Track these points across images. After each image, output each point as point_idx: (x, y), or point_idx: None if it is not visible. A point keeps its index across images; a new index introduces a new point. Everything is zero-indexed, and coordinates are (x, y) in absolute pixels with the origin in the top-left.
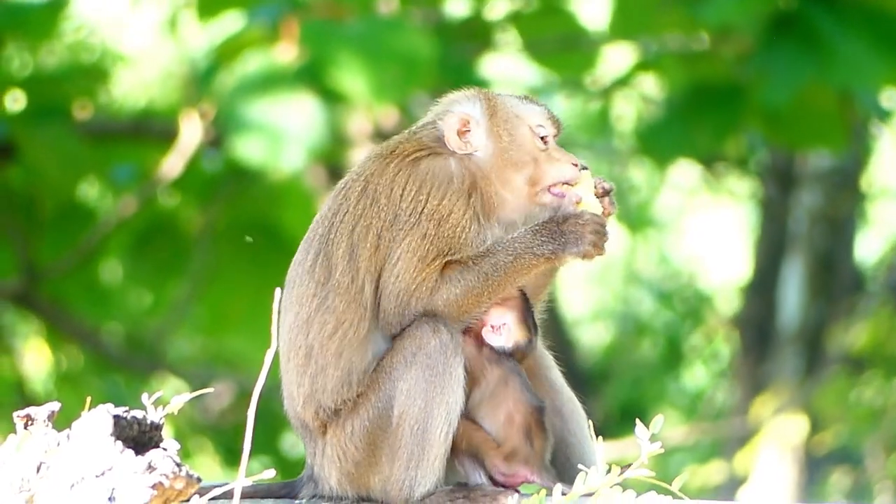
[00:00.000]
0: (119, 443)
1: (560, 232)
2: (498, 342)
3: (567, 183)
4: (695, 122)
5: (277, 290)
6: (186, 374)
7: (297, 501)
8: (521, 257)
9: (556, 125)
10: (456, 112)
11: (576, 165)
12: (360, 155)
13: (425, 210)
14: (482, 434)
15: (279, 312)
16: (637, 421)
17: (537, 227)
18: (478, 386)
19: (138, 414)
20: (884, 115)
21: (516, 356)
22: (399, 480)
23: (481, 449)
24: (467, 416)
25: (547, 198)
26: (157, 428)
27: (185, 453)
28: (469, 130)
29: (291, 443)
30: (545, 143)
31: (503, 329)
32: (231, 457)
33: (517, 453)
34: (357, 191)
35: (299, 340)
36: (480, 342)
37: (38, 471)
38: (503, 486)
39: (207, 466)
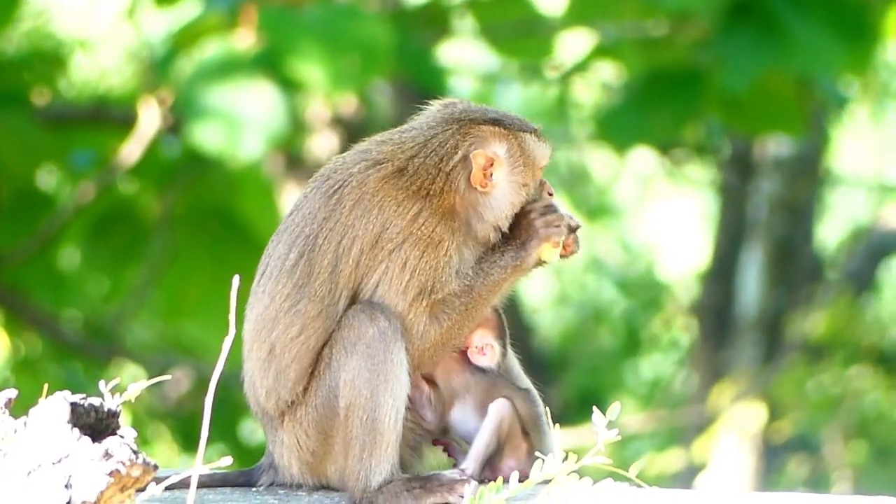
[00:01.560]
0: (76, 430)
1: (514, 237)
2: (485, 362)
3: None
4: (653, 108)
5: (236, 278)
6: (145, 361)
7: (254, 489)
8: (490, 275)
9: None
10: (484, 151)
11: (551, 195)
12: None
13: (413, 233)
14: (518, 431)
15: (250, 296)
16: (594, 408)
17: (499, 242)
18: (463, 399)
19: (95, 401)
20: (842, 102)
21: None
22: (355, 471)
23: (511, 444)
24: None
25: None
26: (114, 415)
27: (143, 440)
28: (493, 169)
29: (250, 430)
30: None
31: (487, 349)
32: (189, 444)
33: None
34: (352, 200)
35: (263, 335)
36: (463, 359)
37: None
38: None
39: (165, 454)
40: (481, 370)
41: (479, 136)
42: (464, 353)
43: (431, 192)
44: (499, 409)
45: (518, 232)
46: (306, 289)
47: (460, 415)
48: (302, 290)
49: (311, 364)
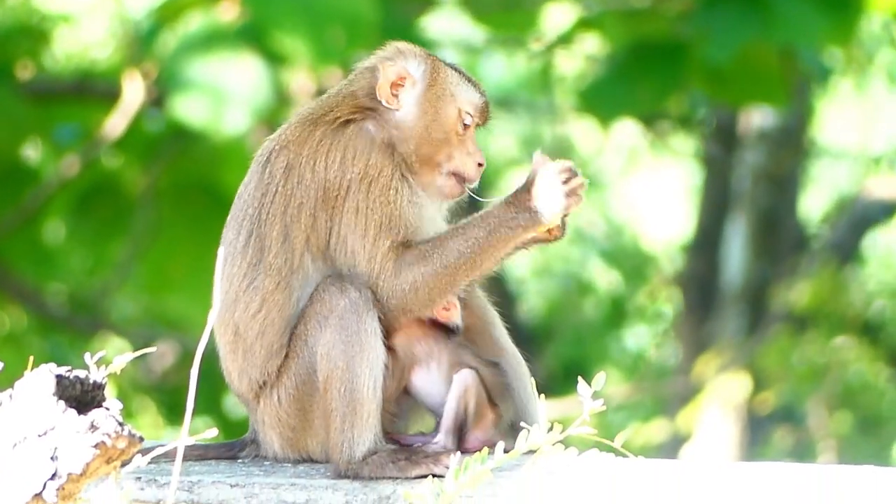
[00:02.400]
0: (62, 402)
1: (531, 197)
2: (451, 318)
3: (465, 178)
4: (637, 80)
5: (221, 251)
6: (129, 335)
7: (239, 461)
8: (497, 231)
9: (484, 117)
10: (398, 64)
11: (481, 165)
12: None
13: (348, 179)
14: (484, 401)
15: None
16: (580, 379)
17: (510, 198)
18: (427, 368)
19: (81, 374)
20: (825, 74)
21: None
22: (338, 443)
23: (477, 414)
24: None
25: (444, 181)
26: (99, 387)
27: (128, 413)
28: (403, 87)
29: (234, 402)
30: (465, 130)
31: (450, 306)
32: (174, 417)
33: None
34: (281, 167)
35: (227, 318)
36: (426, 325)
37: None
38: (474, 451)
39: (151, 427)
40: (446, 336)
41: (395, 51)
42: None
43: (351, 121)
44: (463, 379)
45: (527, 193)
46: (261, 265)
47: (423, 381)
48: (257, 267)
49: (278, 339)
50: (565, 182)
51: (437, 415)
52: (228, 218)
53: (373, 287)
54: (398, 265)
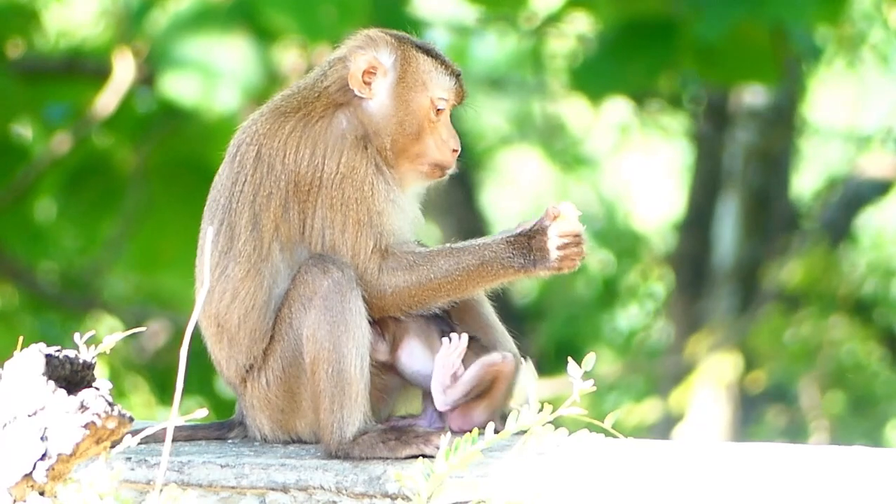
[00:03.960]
0: (51, 382)
1: (529, 247)
2: None
3: (442, 167)
4: (627, 58)
5: (210, 230)
6: (121, 313)
7: (229, 441)
8: (489, 265)
9: (457, 98)
10: (368, 53)
11: (455, 151)
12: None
13: (319, 174)
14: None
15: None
16: (569, 359)
17: (511, 238)
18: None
19: (70, 353)
20: (816, 52)
21: None
22: (328, 424)
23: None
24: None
25: (422, 170)
26: (89, 367)
27: (120, 393)
28: (375, 75)
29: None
30: (438, 115)
31: None
32: (167, 396)
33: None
34: (251, 157)
35: (208, 310)
36: None
37: None
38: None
39: (143, 406)
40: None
41: (365, 40)
42: None
43: (323, 117)
44: (492, 361)
45: (534, 242)
46: (231, 253)
47: (409, 357)
48: (227, 255)
49: (259, 325)
50: (562, 248)
51: (423, 389)
52: (205, 209)
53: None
54: (383, 268)
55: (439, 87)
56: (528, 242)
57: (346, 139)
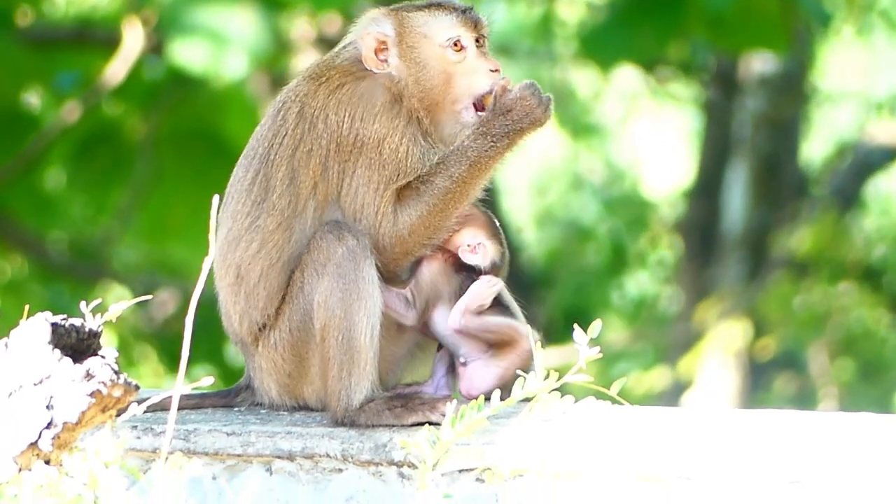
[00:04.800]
0: (57, 351)
1: (512, 122)
2: (475, 260)
3: (485, 94)
4: (637, 26)
5: (216, 198)
6: (130, 282)
7: (236, 409)
8: (478, 163)
9: (473, 27)
10: (372, 32)
11: (495, 71)
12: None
13: (360, 136)
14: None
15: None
16: (575, 326)
17: (485, 130)
18: (449, 306)
19: (76, 322)
20: (826, 19)
21: (491, 273)
22: (335, 391)
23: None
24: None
25: (469, 117)
26: (95, 336)
27: (129, 362)
28: (386, 49)
29: (235, 351)
30: (460, 51)
31: (479, 248)
32: (175, 365)
33: None
34: (294, 113)
35: (229, 258)
36: (447, 258)
37: None
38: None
39: (152, 375)
40: (470, 275)
41: (367, 21)
42: (454, 256)
43: (360, 84)
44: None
45: (514, 113)
46: (264, 204)
47: (440, 315)
48: (261, 206)
49: (279, 282)
50: (538, 100)
51: (453, 351)
52: (241, 156)
53: (375, 235)
54: (395, 211)
55: (442, 31)
56: (507, 117)
57: (378, 105)
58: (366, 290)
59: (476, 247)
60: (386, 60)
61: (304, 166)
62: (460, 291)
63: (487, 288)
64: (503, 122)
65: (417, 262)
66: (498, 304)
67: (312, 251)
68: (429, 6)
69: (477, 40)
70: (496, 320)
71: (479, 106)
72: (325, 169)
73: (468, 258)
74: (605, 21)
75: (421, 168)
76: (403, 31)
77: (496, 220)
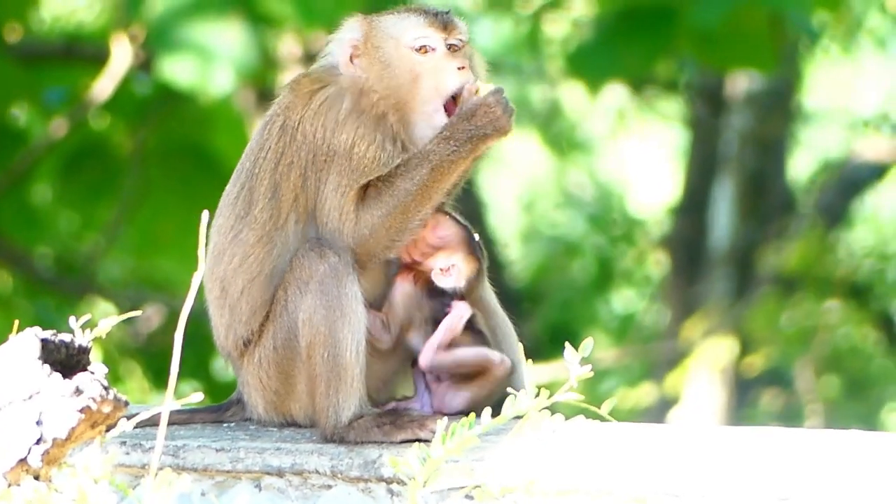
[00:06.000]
0: (46, 366)
1: (476, 128)
2: (449, 283)
3: (454, 94)
4: (625, 43)
5: (205, 213)
6: (117, 297)
7: (225, 425)
8: (440, 167)
9: (443, 29)
10: (346, 38)
11: (462, 68)
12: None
13: (332, 145)
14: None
15: (206, 239)
16: (566, 344)
17: (448, 134)
18: (423, 330)
19: (66, 337)
20: (814, 37)
21: (466, 289)
22: (323, 408)
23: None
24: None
25: (440, 119)
26: (84, 351)
27: (115, 377)
28: (360, 55)
29: (222, 365)
30: (426, 55)
31: (452, 270)
32: (161, 381)
33: None
34: (278, 126)
35: (215, 273)
36: (417, 281)
37: None
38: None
39: (137, 390)
40: (443, 299)
41: (343, 28)
42: (428, 278)
43: (334, 93)
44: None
45: (477, 119)
46: (247, 218)
47: (418, 342)
48: (243, 219)
49: (262, 296)
50: (503, 108)
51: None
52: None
53: (340, 237)
54: (357, 211)
55: (408, 32)
56: (472, 123)
57: (349, 112)
58: (349, 307)
59: (449, 269)
60: (359, 66)
61: (285, 179)
62: (435, 314)
63: (458, 322)
64: (467, 128)
65: (391, 286)
66: (471, 329)
67: (295, 269)
68: (399, 11)
69: (450, 45)
70: (467, 353)
71: (451, 108)
72: (305, 180)
73: (441, 282)
74: (593, 39)
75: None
76: (372, 34)
77: (472, 231)
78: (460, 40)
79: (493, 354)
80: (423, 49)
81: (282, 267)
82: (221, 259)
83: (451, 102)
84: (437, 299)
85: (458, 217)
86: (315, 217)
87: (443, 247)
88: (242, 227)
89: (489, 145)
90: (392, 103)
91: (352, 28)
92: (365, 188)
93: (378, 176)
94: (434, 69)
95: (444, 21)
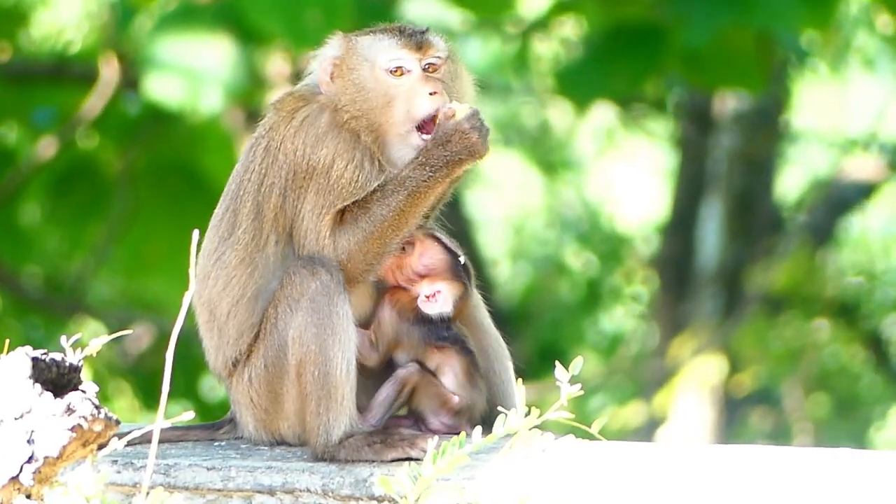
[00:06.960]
0: (37, 385)
1: (451, 153)
2: (434, 309)
3: (428, 118)
4: (613, 63)
5: (195, 232)
6: (106, 317)
7: (216, 444)
8: (417, 192)
9: (417, 50)
10: (327, 56)
11: (434, 93)
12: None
13: (311, 163)
14: (439, 389)
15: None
16: (556, 363)
17: (423, 160)
18: (403, 348)
19: (56, 356)
20: (803, 57)
21: (454, 312)
22: (314, 427)
23: (435, 403)
24: (424, 367)
25: (416, 140)
26: (75, 370)
27: (104, 397)
28: (337, 76)
29: (211, 386)
30: (402, 77)
31: (437, 296)
32: (150, 400)
33: (465, 407)
34: (262, 147)
35: (203, 296)
36: (402, 306)
37: None
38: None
39: (127, 410)
40: (424, 321)
41: (326, 46)
42: (413, 304)
43: (313, 112)
44: (401, 375)
45: (452, 145)
46: (230, 240)
47: (405, 357)
48: (226, 241)
49: (248, 317)
50: (479, 133)
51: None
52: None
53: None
54: (334, 235)
55: (383, 54)
56: (447, 149)
57: (328, 130)
58: (340, 326)
59: (434, 295)
60: (338, 84)
61: (267, 200)
62: (422, 334)
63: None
64: (442, 154)
65: (379, 304)
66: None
67: (285, 286)
68: (377, 30)
69: (427, 65)
70: (386, 392)
71: (424, 129)
72: (284, 199)
73: (427, 308)
74: (581, 59)
75: (363, 192)
76: (348, 53)
77: (459, 255)
78: (438, 58)
79: (398, 374)
80: (398, 71)
81: (265, 287)
82: (206, 282)
83: (431, 121)
84: (426, 320)
85: (445, 239)
86: (292, 237)
87: (427, 274)
88: (225, 249)
89: (465, 168)
90: (364, 124)
91: (333, 46)
92: (342, 213)
93: (355, 201)
94: (407, 93)
95: (418, 41)
